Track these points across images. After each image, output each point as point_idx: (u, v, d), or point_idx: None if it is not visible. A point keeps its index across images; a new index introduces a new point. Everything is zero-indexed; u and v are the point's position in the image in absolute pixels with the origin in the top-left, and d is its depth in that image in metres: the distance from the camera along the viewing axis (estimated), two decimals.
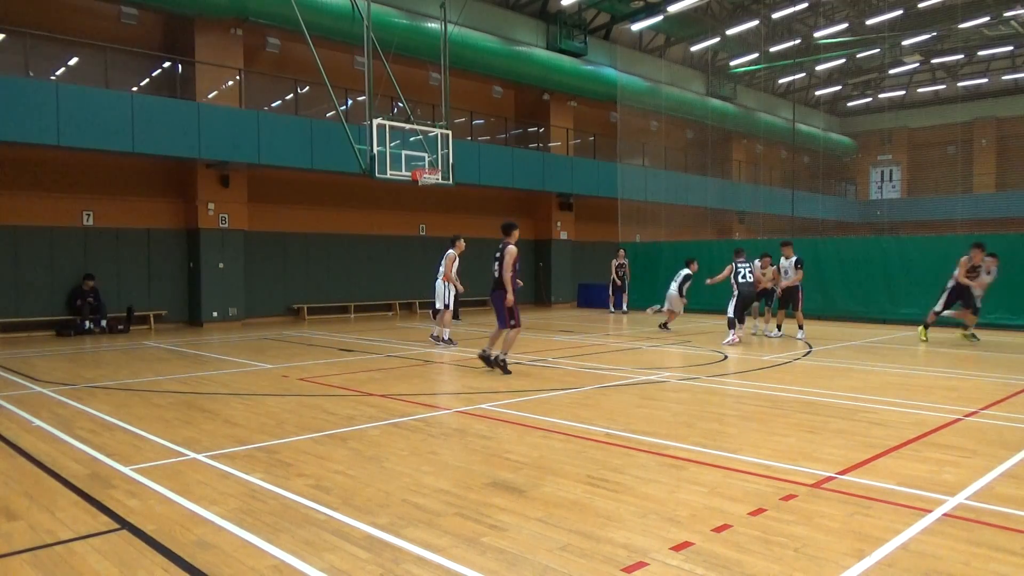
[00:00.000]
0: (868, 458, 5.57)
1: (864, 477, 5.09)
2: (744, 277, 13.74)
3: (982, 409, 7.44)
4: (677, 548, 3.83)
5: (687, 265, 15.96)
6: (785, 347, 13.07)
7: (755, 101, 35.41)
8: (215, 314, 18.38)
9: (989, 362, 11.11)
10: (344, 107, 18.42)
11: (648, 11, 25.18)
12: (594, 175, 25.67)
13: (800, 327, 14.35)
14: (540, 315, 21.49)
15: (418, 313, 22.20)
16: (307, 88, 19.97)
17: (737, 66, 32.10)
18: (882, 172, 43.05)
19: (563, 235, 26.51)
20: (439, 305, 13.37)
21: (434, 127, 15.27)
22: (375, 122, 14.07)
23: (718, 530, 4.09)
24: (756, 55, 31.53)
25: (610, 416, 7.18)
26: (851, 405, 7.70)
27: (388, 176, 14.47)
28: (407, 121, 15.10)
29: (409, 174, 14.78)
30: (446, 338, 13.31)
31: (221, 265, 18.47)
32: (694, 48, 30.50)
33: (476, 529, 4.12)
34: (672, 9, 24.08)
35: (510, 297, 9.77)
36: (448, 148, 15.22)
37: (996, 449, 5.82)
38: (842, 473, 5.17)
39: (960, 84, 38.05)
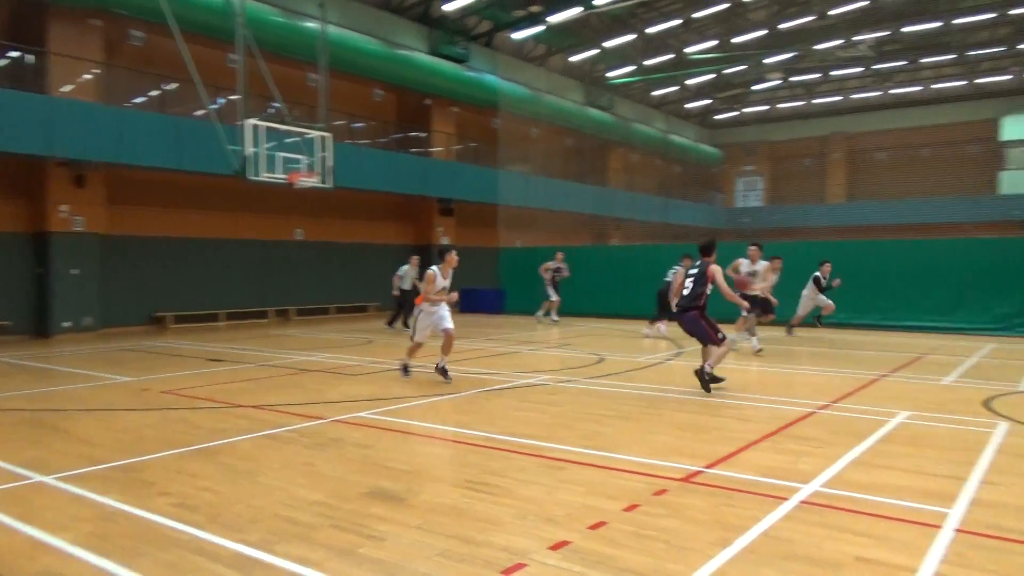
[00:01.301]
0: (732, 452, 5.87)
1: (729, 470, 5.36)
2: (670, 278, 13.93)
3: (834, 402, 8.02)
4: (555, 547, 3.89)
5: (820, 267, 14.27)
6: (657, 348, 13.59)
7: (631, 112, 36.72)
8: (67, 324, 17.01)
9: (839, 358, 12.00)
10: (215, 106, 17.56)
11: (529, 20, 25.59)
12: (475, 180, 25.78)
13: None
14: None
15: (293, 320, 21.49)
16: (175, 85, 18.91)
17: (614, 77, 33.19)
18: (746, 182, 45.86)
19: (444, 240, 26.46)
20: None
21: (312, 129, 14.84)
22: (249, 122, 13.51)
23: (594, 527, 4.18)
24: (632, 67, 32.72)
25: (490, 420, 7.21)
26: (717, 402, 8.11)
27: (263, 178, 13.91)
28: (283, 122, 14.59)
29: (285, 176, 14.30)
30: (441, 365, 9.60)
31: (75, 271, 17.12)
32: (573, 59, 31.29)
33: (353, 540, 4.02)
34: (552, 20, 24.60)
35: (744, 305, 9.99)
36: (327, 151, 14.85)
37: (846, 438, 6.29)
38: (709, 467, 5.42)
39: (816, 101, 41.04)
